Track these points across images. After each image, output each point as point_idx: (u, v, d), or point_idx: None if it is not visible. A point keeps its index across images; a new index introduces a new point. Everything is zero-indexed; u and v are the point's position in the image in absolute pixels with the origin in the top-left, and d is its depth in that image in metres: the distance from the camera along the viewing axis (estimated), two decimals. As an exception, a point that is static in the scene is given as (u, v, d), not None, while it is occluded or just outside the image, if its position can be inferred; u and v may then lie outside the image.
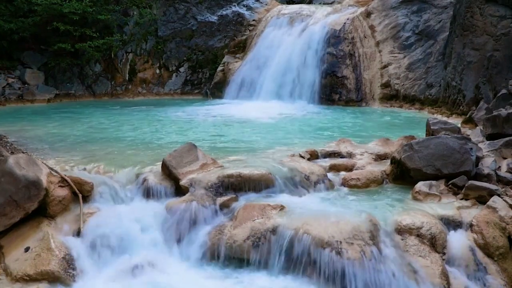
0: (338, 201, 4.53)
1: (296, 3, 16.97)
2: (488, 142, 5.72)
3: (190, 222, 4.24)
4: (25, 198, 4.08)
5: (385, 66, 12.75)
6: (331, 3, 16.21)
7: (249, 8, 16.02)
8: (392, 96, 12.44)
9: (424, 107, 11.56)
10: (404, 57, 12.57)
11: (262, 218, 4.05)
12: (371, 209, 4.15)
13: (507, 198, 4.24)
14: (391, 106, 12.20)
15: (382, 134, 7.37)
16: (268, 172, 4.73)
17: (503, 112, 5.87)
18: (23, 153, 5.67)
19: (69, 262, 3.85)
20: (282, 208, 4.20)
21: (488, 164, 4.94)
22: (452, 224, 4.04)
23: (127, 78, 15.23)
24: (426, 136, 5.92)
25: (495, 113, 6.03)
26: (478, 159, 4.96)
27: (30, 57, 13.80)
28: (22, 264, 3.81)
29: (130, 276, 3.86)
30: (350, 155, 5.85)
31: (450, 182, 4.62)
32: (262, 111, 10.88)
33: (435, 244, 3.79)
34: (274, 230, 3.92)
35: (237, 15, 15.82)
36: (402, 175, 4.99)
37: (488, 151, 5.43)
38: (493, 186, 4.40)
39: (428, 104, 11.53)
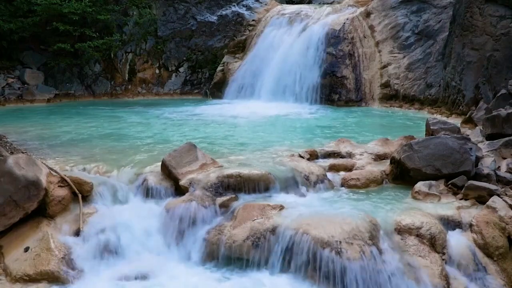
0: (337, 201, 4.53)
1: (295, 3, 16.97)
2: (487, 142, 5.72)
3: (189, 222, 4.24)
4: (25, 198, 4.08)
5: (384, 66, 12.75)
6: (331, 3, 16.20)
7: (248, 8, 16.01)
8: (391, 96, 12.43)
9: (424, 107, 11.56)
10: (404, 57, 12.57)
11: (262, 218, 4.05)
12: (370, 209, 4.15)
13: (506, 198, 4.23)
14: (390, 106, 12.20)
15: (382, 134, 7.36)
16: (267, 172, 4.73)
17: (503, 112, 5.87)
18: (23, 153, 5.67)
19: (68, 262, 3.85)
20: (281, 208, 4.20)
21: (487, 164, 4.95)
22: (451, 224, 4.04)
23: (126, 78, 15.23)
24: (425, 136, 5.92)
25: (494, 113, 6.03)
26: (478, 159, 4.97)
27: (30, 57, 13.79)
28: (21, 264, 3.81)
29: (129, 276, 3.86)
30: (349, 155, 5.84)
31: (449, 182, 4.63)
32: (261, 111, 10.88)
33: (435, 244, 3.79)
34: (273, 230, 3.92)
35: (237, 15, 15.82)
36: (402, 175, 4.99)
37: (488, 151, 5.43)
38: (492, 186, 4.40)
39: (428, 104, 11.52)
